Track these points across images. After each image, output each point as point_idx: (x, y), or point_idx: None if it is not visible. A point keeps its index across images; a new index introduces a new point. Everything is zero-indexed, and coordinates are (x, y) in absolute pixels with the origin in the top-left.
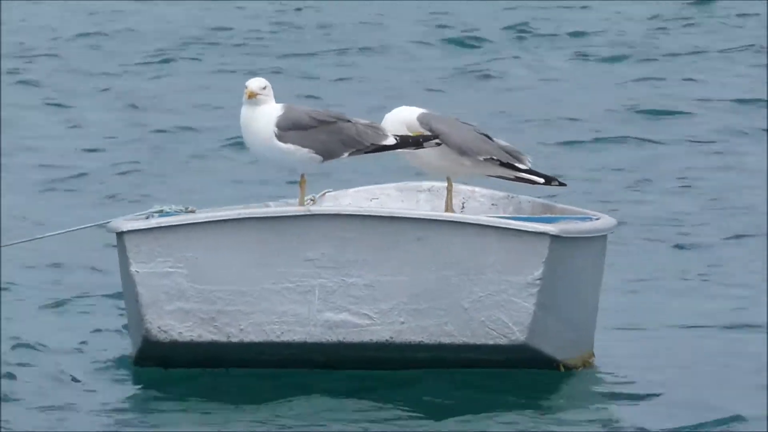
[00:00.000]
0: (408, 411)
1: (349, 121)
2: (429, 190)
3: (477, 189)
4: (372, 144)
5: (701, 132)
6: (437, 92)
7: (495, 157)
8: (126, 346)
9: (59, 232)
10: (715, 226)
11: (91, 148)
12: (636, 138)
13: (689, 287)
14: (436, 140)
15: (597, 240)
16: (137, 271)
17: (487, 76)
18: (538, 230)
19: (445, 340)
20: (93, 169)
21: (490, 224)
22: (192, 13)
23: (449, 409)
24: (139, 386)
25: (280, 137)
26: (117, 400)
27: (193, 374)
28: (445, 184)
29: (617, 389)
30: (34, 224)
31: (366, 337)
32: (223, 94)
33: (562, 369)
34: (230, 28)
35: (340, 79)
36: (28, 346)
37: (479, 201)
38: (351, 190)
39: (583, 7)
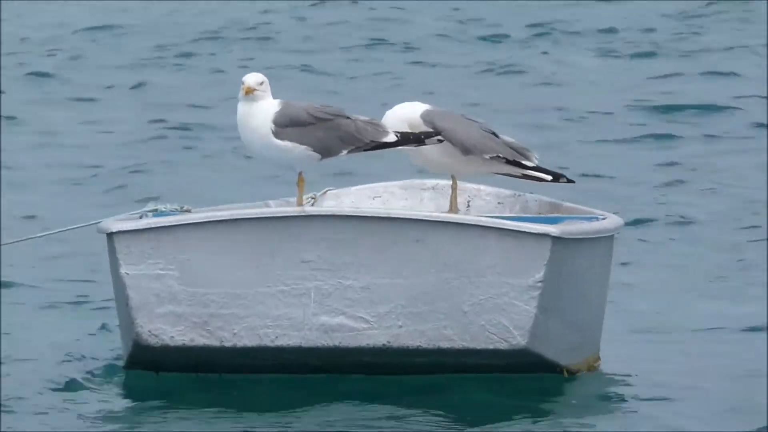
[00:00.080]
0: (412, 417)
1: (348, 117)
2: (433, 188)
3: (483, 187)
4: (372, 141)
5: (737, 128)
6: (466, 88)
7: (501, 155)
8: (119, 349)
9: (53, 231)
10: (744, 225)
11: (112, 145)
12: (667, 135)
13: (715, 289)
14: (438, 137)
15: (602, 240)
16: (127, 273)
17: (518, 72)
18: (539, 231)
19: (444, 344)
20: (110, 167)
21: (491, 225)
22: (204, 7)
23: (454, 414)
24: (129, 391)
25: (277, 134)
26: (106, 404)
27: (188, 378)
28: (450, 182)
29: (617, 395)
30: (49, 222)
31: (363, 342)
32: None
33: (566, 374)
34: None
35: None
36: (19, 346)
37: (485, 199)
38: (353, 188)
39: (610, 3)
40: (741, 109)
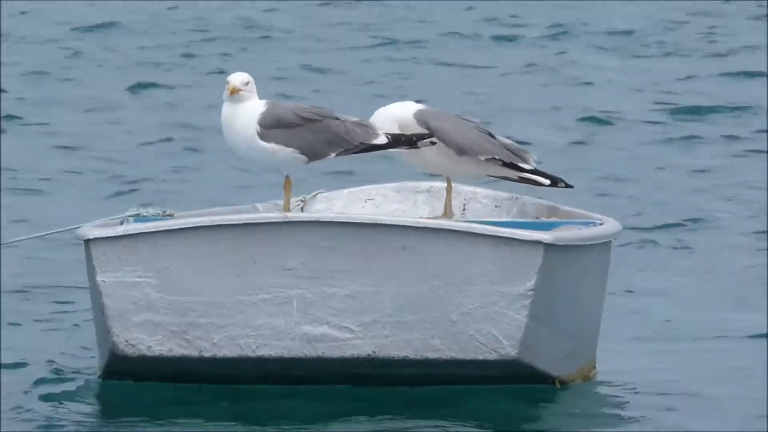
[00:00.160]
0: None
1: (337, 118)
2: (428, 190)
3: (479, 190)
4: (361, 143)
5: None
6: (491, 87)
7: (497, 157)
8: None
9: (34, 235)
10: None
11: (134, 146)
12: (692, 136)
13: (737, 297)
14: (431, 139)
15: (598, 247)
16: (103, 281)
17: (537, 71)
18: (531, 238)
19: (432, 355)
20: (133, 171)
21: (480, 232)
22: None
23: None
24: (105, 402)
25: (262, 136)
26: (80, 416)
27: (166, 388)
28: (445, 184)
29: (607, 405)
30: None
31: (347, 352)
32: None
33: (558, 385)
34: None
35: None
36: None
37: (481, 202)
38: (345, 191)
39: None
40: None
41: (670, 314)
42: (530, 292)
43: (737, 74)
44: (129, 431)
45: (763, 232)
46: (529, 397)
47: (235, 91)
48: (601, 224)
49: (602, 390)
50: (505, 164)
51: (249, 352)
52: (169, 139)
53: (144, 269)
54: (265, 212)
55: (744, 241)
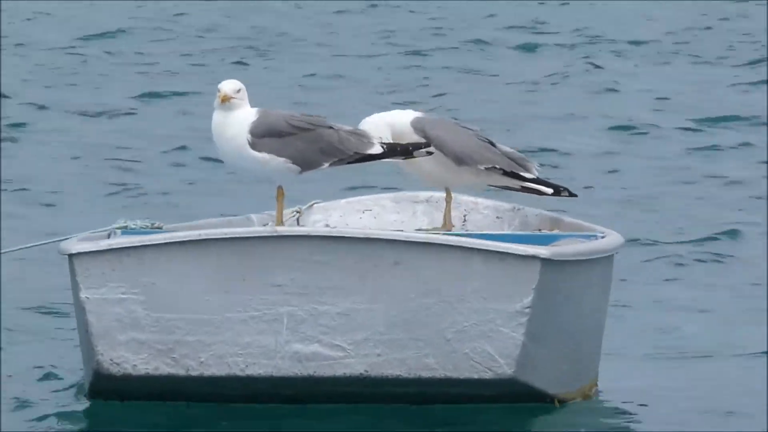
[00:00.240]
0: None
1: (330, 127)
2: (427, 201)
3: (480, 200)
4: (356, 153)
5: None
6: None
7: (497, 166)
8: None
9: (18, 247)
10: None
11: (164, 150)
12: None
13: (759, 312)
14: (429, 149)
15: (599, 261)
16: (87, 298)
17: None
18: (527, 253)
19: (426, 374)
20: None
21: (475, 247)
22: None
23: None
24: (92, 421)
25: (253, 145)
26: None
27: (154, 406)
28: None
29: (603, 428)
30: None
31: (338, 371)
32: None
33: (557, 404)
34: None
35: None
36: None
37: (483, 213)
38: (342, 201)
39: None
40: None
41: (691, 330)
42: (527, 310)
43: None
44: None
45: None
46: (527, 416)
47: (226, 99)
48: (603, 237)
49: (601, 409)
50: (506, 173)
51: (237, 371)
52: (182, 148)
53: (129, 285)
54: (259, 223)
55: None
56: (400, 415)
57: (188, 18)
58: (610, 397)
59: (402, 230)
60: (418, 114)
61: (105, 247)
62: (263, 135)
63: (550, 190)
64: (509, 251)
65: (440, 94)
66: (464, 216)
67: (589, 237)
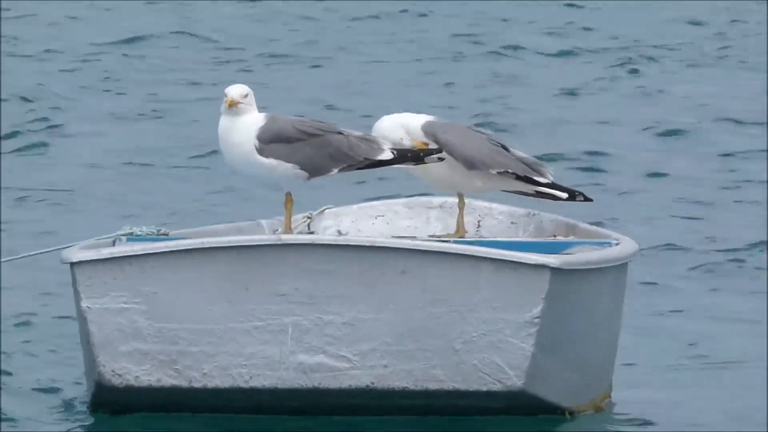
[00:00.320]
0: None
1: (340, 133)
2: (441, 206)
3: (495, 205)
4: (365, 159)
5: None
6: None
7: (510, 170)
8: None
9: (22, 255)
10: None
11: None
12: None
13: None
14: (440, 155)
15: (611, 270)
16: (89, 307)
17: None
18: (536, 262)
19: (433, 385)
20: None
21: (484, 255)
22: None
23: None
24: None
25: (261, 151)
26: None
27: (157, 418)
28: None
29: None
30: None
31: (344, 383)
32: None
33: (568, 416)
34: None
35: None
36: None
37: (497, 218)
38: (354, 207)
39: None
40: None
41: (722, 340)
42: (537, 320)
43: None
44: None
45: None
46: (536, 429)
47: (233, 104)
48: (617, 244)
49: (612, 422)
50: (519, 178)
51: (241, 383)
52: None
53: (131, 295)
54: (269, 229)
55: None
56: (407, 427)
57: (217, 22)
58: (623, 409)
59: (415, 236)
60: (429, 118)
61: (106, 256)
62: (271, 140)
63: (564, 195)
64: (518, 260)
65: (483, 100)
66: (478, 222)
67: (602, 244)
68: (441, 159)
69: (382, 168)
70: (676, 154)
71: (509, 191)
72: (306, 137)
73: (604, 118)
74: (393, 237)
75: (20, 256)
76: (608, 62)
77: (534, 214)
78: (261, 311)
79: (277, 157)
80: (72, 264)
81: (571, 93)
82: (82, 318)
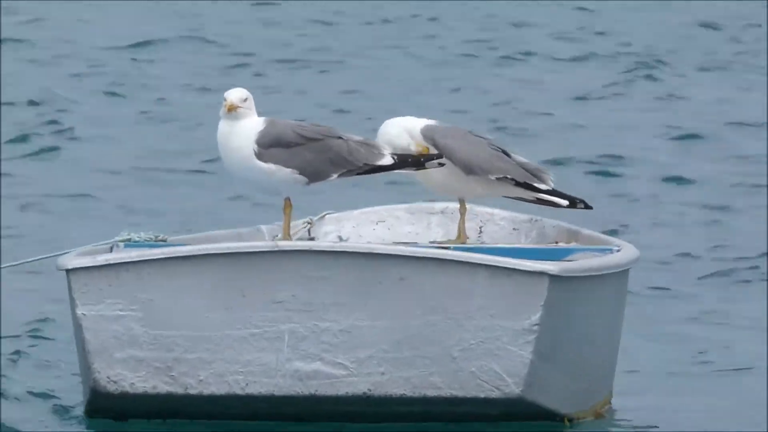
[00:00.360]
0: None
1: (340, 137)
2: (442, 212)
3: (497, 211)
4: (365, 164)
5: None
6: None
7: (510, 176)
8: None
9: (18, 262)
10: None
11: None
12: None
13: None
14: (440, 160)
15: (612, 277)
16: (84, 314)
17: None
18: (535, 269)
19: (431, 393)
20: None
21: (481, 262)
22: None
23: None
24: None
25: (260, 155)
26: None
27: (154, 425)
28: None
29: None
30: None
31: (341, 390)
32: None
33: (568, 423)
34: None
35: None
36: None
37: (499, 224)
38: (355, 212)
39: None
40: None
41: (731, 347)
42: (535, 327)
43: None
44: None
45: None
46: None
47: (232, 108)
48: (618, 251)
49: (612, 429)
50: (519, 184)
51: (237, 390)
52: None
53: (127, 302)
54: (269, 235)
55: None
56: None
57: (226, 26)
58: (623, 416)
59: (416, 242)
60: (430, 122)
61: (102, 263)
62: (270, 145)
63: (565, 202)
64: (517, 267)
65: (496, 104)
66: (480, 227)
67: (604, 251)
68: (441, 164)
69: (382, 173)
70: (691, 159)
71: (509, 197)
72: (305, 142)
73: (619, 122)
74: (394, 243)
75: (19, 262)
76: (622, 67)
77: (536, 221)
78: (258, 318)
79: (276, 162)
80: (67, 271)
81: (583, 98)
82: (77, 325)
